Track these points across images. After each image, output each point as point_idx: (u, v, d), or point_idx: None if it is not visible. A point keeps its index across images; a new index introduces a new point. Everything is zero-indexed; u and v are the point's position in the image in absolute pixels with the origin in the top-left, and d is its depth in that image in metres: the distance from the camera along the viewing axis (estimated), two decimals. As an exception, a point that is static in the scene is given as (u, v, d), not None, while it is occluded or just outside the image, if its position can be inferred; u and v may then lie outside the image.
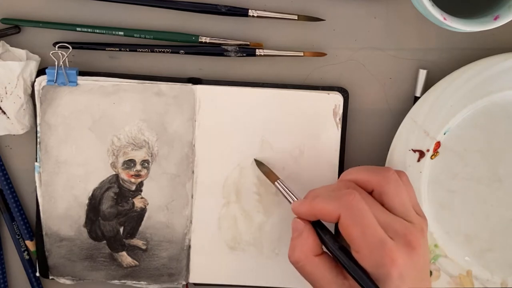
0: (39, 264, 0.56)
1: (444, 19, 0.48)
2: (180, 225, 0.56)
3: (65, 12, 0.55)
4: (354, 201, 0.45)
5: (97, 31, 0.54)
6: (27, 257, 0.57)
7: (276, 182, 0.52)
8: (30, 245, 0.57)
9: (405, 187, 0.49)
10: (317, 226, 0.48)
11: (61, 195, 0.55)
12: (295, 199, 0.50)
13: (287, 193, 0.51)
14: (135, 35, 0.54)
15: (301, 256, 0.47)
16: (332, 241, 0.47)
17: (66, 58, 0.53)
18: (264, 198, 0.56)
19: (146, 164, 0.55)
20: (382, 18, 0.55)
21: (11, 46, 0.54)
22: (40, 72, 0.54)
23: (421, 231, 0.47)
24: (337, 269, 0.46)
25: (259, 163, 0.55)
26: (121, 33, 0.54)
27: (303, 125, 0.55)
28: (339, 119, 0.55)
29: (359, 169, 0.50)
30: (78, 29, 0.54)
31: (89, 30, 0.54)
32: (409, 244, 0.45)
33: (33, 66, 0.53)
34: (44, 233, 0.55)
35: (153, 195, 0.55)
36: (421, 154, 0.54)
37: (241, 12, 0.54)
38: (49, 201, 0.55)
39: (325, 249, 0.48)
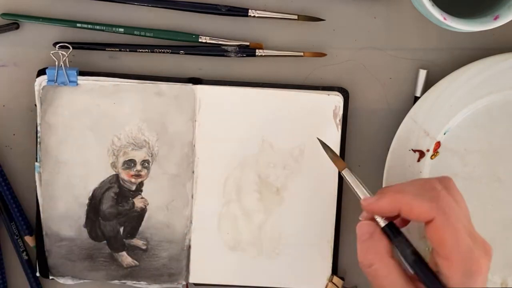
0: (39, 264, 0.56)
1: (444, 19, 0.48)
2: (180, 225, 0.56)
3: (65, 12, 0.55)
4: (452, 206, 0.44)
5: (97, 27, 0.54)
6: (26, 257, 0.57)
7: (343, 171, 0.49)
8: (30, 240, 0.57)
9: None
10: (390, 228, 0.45)
11: (61, 195, 0.55)
12: (367, 194, 0.47)
13: (357, 185, 0.47)
14: (135, 32, 0.54)
15: (376, 258, 0.44)
16: (406, 244, 0.45)
17: (66, 58, 0.53)
18: (264, 197, 0.56)
19: (146, 164, 0.55)
20: (382, 18, 0.55)
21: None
22: (40, 72, 0.54)
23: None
24: (406, 275, 0.44)
25: (325, 146, 0.51)
26: (121, 30, 0.54)
27: (303, 125, 0.55)
28: (339, 120, 0.55)
29: (427, 179, 0.47)
30: (78, 25, 0.54)
31: (89, 26, 0.54)
32: (487, 252, 0.44)
33: None
34: (44, 233, 0.55)
35: (153, 195, 0.55)
36: (421, 154, 0.55)
37: (241, 12, 0.54)
38: (49, 201, 0.55)
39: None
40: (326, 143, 0.53)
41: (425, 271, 0.43)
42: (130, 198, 0.55)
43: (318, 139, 0.52)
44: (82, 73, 0.54)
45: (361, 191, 0.48)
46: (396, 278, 0.44)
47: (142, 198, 0.55)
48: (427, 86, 0.55)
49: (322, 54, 0.55)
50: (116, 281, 0.56)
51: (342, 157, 0.55)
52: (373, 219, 0.46)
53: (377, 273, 0.44)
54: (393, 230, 0.45)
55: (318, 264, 0.56)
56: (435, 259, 0.44)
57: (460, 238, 0.43)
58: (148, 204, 0.55)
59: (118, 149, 0.55)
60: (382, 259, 0.44)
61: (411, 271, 0.44)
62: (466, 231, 0.44)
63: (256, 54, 0.54)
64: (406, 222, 0.48)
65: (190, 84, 0.55)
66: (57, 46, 0.54)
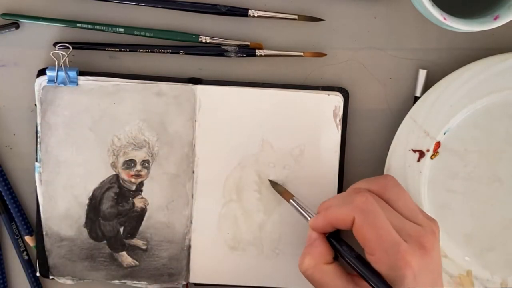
0: (39, 264, 0.56)
1: (444, 19, 0.48)
2: (180, 225, 0.56)
3: (65, 12, 0.55)
4: (368, 203, 0.45)
5: (97, 27, 0.54)
6: (26, 257, 0.57)
7: (291, 200, 0.53)
8: (30, 240, 0.57)
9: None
10: (333, 237, 0.49)
11: (61, 195, 0.55)
12: (311, 215, 0.50)
13: (303, 210, 0.51)
14: (135, 32, 0.54)
15: (311, 264, 0.48)
16: (348, 250, 0.47)
17: (66, 58, 0.53)
18: (264, 197, 0.56)
19: (147, 164, 0.55)
20: (382, 18, 0.55)
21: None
22: (40, 72, 0.54)
23: (432, 233, 0.47)
24: (348, 277, 0.47)
25: (273, 183, 0.55)
26: (121, 30, 0.54)
27: (303, 125, 0.55)
28: (339, 120, 0.55)
29: (359, 182, 0.50)
30: (78, 25, 0.54)
31: (89, 26, 0.54)
32: (422, 246, 0.45)
33: None
34: (44, 233, 0.55)
35: (153, 195, 0.55)
36: (421, 154, 0.55)
37: (241, 12, 0.54)
38: (49, 201, 0.55)
39: (339, 260, 0.48)
40: (326, 143, 0.54)
41: (367, 271, 0.45)
42: (130, 198, 0.55)
43: (269, 180, 0.55)
44: (82, 73, 0.54)
45: (308, 215, 0.51)
46: (333, 281, 0.47)
47: (142, 198, 0.55)
48: (427, 86, 0.55)
49: (322, 54, 0.55)
50: (116, 281, 0.56)
51: (342, 157, 0.55)
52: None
53: (313, 277, 0.48)
54: (337, 239, 0.49)
55: (318, 264, 0.56)
56: (366, 257, 0.46)
57: (381, 234, 0.44)
58: (148, 204, 0.55)
59: (118, 149, 0.55)
60: (316, 264, 0.47)
61: (354, 272, 0.47)
62: (394, 226, 0.45)
63: (256, 54, 0.54)
64: None
65: (190, 84, 0.55)
66: (57, 46, 0.54)
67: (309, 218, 0.50)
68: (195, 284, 0.57)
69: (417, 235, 0.45)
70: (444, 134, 0.54)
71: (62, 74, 0.53)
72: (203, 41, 0.54)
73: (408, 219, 0.47)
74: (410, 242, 0.45)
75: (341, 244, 0.48)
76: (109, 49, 0.54)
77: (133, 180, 0.55)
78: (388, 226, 0.45)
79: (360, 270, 0.46)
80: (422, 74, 0.55)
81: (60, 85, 0.54)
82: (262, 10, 0.54)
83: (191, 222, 0.56)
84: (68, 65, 0.53)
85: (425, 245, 0.45)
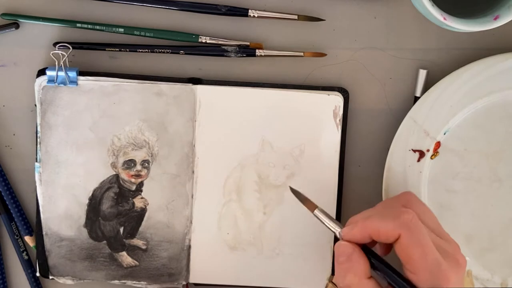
0: (39, 264, 0.56)
1: (444, 19, 0.48)
2: (180, 225, 0.56)
3: (65, 12, 0.55)
4: (414, 221, 0.45)
5: (97, 27, 0.54)
6: (26, 257, 0.57)
7: (315, 211, 0.50)
8: (30, 240, 0.57)
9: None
10: (365, 249, 0.47)
11: (61, 195, 0.55)
12: (340, 227, 0.48)
13: (330, 222, 0.49)
14: (135, 32, 0.54)
15: (354, 281, 0.46)
16: (384, 263, 0.46)
17: (66, 58, 0.53)
18: (264, 196, 0.56)
19: (146, 164, 0.55)
20: (382, 18, 0.55)
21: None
22: (40, 72, 0.54)
23: (459, 247, 0.47)
24: None
25: (295, 192, 0.52)
26: (121, 30, 0.54)
27: (303, 125, 0.55)
28: (339, 120, 0.55)
29: (387, 200, 0.49)
30: (78, 25, 0.54)
31: (89, 26, 0.54)
32: (458, 262, 0.45)
33: None
34: (44, 233, 0.55)
35: (153, 195, 0.55)
36: (421, 154, 0.55)
37: (241, 12, 0.54)
38: (49, 201, 0.55)
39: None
40: (326, 143, 0.54)
41: (406, 286, 0.44)
42: (130, 198, 0.55)
43: (290, 187, 0.52)
44: (82, 73, 0.54)
45: (335, 225, 0.49)
46: None
47: (142, 198, 0.55)
48: (427, 86, 0.55)
49: (322, 54, 0.55)
50: (116, 281, 0.56)
51: (342, 157, 0.55)
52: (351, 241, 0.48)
53: None
54: (369, 251, 0.47)
55: (318, 264, 0.56)
56: (405, 274, 0.45)
57: (426, 253, 0.44)
58: (148, 204, 0.55)
59: (118, 149, 0.55)
60: (361, 280, 0.46)
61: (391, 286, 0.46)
62: (433, 244, 0.45)
63: (256, 54, 0.54)
64: (387, 249, 0.49)
65: (190, 84, 0.55)
66: (57, 46, 0.54)
67: (337, 230, 0.48)
68: (195, 284, 0.57)
69: (453, 251, 0.46)
70: (444, 134, 0.54)
71: (62, 74, 0.53)
72: (203, 41, 0.54)
73: (437, 235, 0.47)
74: (448, 259, 0.45)
75: (375, 257, 0.46)
76: (109, 49, 0.54)
77: (133, 180, 0.55)
78: (431, 245, 0.44)
79: (399, 284, 0.45)
80: (422, 74, 0.55)
81: (60, 85, 0.54)
82: (262, 10, 0.54)
83: (191, 222, 0.56)
84: (68, 65, 0.53)
85: (459, 261, 0.45)
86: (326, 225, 0.49)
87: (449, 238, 0.47)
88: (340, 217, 0.56)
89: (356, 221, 0.47)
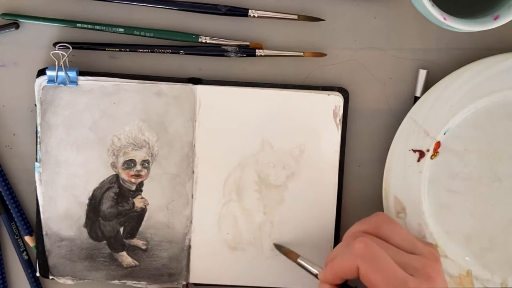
0: (39, 264, 0.56)
1: (444, 19, 0.48)
2: (180, 225, 0.56)
3: (65, 12, 0.55)
4: (367, 248, 0.45)
5: (97, 27, 0.54)
6: (26, 257, 0.57)
7: (298, 260, 0.52)
8: (30, 240, 0.57)
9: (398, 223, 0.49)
10: (343, 286, 0.48)
11: (61, 195, 0.55)
12: (318, 270, 0.50)
13: (311, 267, 0.51)
14: (135, 32, 0.54)
15: None
16: None
17: (66, 58, 0.53)
18: (264, 197, 0.56)
19: (146, 164, 0.55)
20: (382, 18, 0.55)
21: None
22: (40, 72, 0.54)
23: (435, 259, 0.47)
24: None
25: (278, 246, 0.55)
26: (121, 30, 0.54)
27: (303, 125, 0.55)
28: (339, 120, 0.55)
29: (355, 225, 0.50)
30: (78, 25, 0.54)
31: (89, 26, 0.54)
32: (429, 276, 0.45)
33: None
34: (44, 233, 0.55)
35: (153, 195, 0.55)
36: (421, 154, 0.55)
37: (241, 12, 0.54)
38: (49, 201, 0.55)
39: None
40: (326, 143, 0.54)
41: None
42: (130, 198, 0.55)
43: (274, 243, 0.56)
44: (82, 73, 0.54)
45: (316, 269, 0.51)
46: None
47: (142, 198, 0.55)
48: (427, 86, 0.55)
49: (322, 54, 0.55)
50: (116, 281, 0.56)
51: (342, 157, 0.55)
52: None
53: None
54: (346, 286, 0.48)
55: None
56: None
57: (387, 276, 0.44)
58: (148, 204, 0.55)
59: (118, 149, 0.55)
60: None
61: None
62: (399, 262, 0.45)
63: (256, 54, 0.54)
64: None
65: (190, 84, 0.55)
66: (57, 46, 0.54)
67: (317, 273, 0.50)
68: (195, 284, 0.57)
69: (422, 266, 0.45)
70: (444, 134, 0.54)
71: (62, 74, 0.53)
72: (203, 41, 0.54)
73: (408, 251, 0.47)
74: (417, 275, 0.45)
75: None
76: (109, 49, 0.54)
77: (133, 180, 0.55)
78: (392, 265, 0.44)
79: None
80: (422, 74, 0.55)
81: (60, 85, 0.54)
82: (262, 10, 0.54)
83: (191, 222, 0.56)
84: (68, 65, 0.53)
85: (431, 275, 0.45)
86: (309, 272, 0.51)
87: (423, 250, 0.47)
88: (340, 217, 0.56)
89: (326, 265, 0.48)
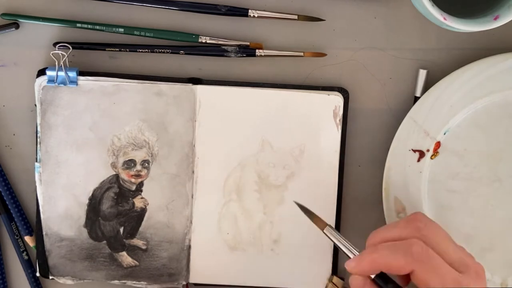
0: (39, 264, 0.56)
1: (444, 19, 0.48)
2: (180, 225, 0.56)
3: (65, 12, 0.55)
4: (425, 252, 0.45)
5: (97, 27, 0.54)
6: (26, 257, 0.57)
7: (325, 230, 0.49)
8: (30, 240, 0.57)
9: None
10: (380, 279, 0.46)
11: (61, 195, 0.55)
12: (352, 253, 0.47)
13: (342, 243, 0.48)
14: (135, 32, 0.54)
15: None
16: None
17: (66, 58, 0.53)
18: (264, 197, 0.56)
19: (146, 164, 0.55)
20: (382, 18, 0.55)
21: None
22: (40, 72, 0.54)
23: (473, 257, 0.48)
24: None
25: (303, 208, 0.51)
26: (121, 30, 0.54)
27: (303, 125, 0.55)
28: (339, 120, 0.55)
29: (417, 213, 0.48)
30: (78, 25, 0.54)
31: (89, 26, 0.54)
32: (477, 274, 0.45)
33: None
34: (44, 233, 0.55)
35: (153, 195, 0.55)
36: (421, 154, 0.54)
37: (241, 12, 0.54)
38: (49, 201, 0.55)
39: None
40: (326, 143, 0.54)
41: None
42: (130, 198, 0.55)
43: (295, 202, 0.51)
44: (82, 73, 0.54)
45: (345, 248, 0.48)
46: None
47: (142, 198, 0.55)
48: (427, 86, 0.55)
49: (322, 54, 0.55)
50: (116, 281, 0.56)
51: (342, 157, 0.55)
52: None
53: None
54: (383, 278, 0.46)
55: (318, 264, 0.56)
56: None
57: (444, 279, 0.44)
58: (148, 204, 0.55)
59: (118, 149, 0.55)
60: None
61: None
62: (452, 261, 0.45)
63: (256, 54, 0.54)
64: (406, 279, 0.48)
65: (190, 84, 0.55)
66: (57, 46, 0.54)
67: (352, 252, 0.47)
68: (195, 284, 0.57)
69: (473, 263, 0.46)
70: (444, 134, 0.54)
71: (62, 74, 0.53)
72: (203, 41, 0.54)
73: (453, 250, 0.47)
74: (468, 272, 0.45)
75: (388, 283, 0.46)
76: (109, 49, 0.54)
77: (133, 180, 0.55)
78: (447, 268, 0.44)
79: None
80: (422, 74, 0.55)
81: (60, 85, 0.54)
82: (262, 10, 0.54)
83: (191, 222, 0.56)
84: (68, 65, 0.53)
85: (479, 272, 0.46)
86: (337, 246, 0.48)
87: (466, 252, 0.47)
88: (340, 217, 0.56)
89: (363, 254, 0.46)
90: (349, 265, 0.46)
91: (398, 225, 0.47)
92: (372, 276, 0.46)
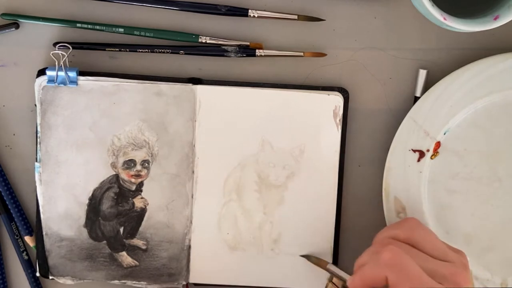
0: (39, 264, 0.56)
1: (444, 19, 0.48)
2: (180, 225, 0.56)
3: (65, 12, 0.55)
4: (395, 258, 0.45)
5: (97, 27, 0.54)
6: (26, 257, 0.57)
7: (327, 266, 0.54)
8: (30, 240, 0.57)
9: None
10: None
11: (61, 195, 0.55)
12: (347, 277, 0.50)
13: (342, 273, 0.52)
14: (135, 32, 0.54)
15: None
16: None
17: (66, 58, 0.53)
18: (264, 197, 0.56)
19: (146, 164, 0.55)
20: (382, 18, 0.55)
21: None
22: (40, 72, 0.54)
23: (464, 267, 0.47)
24: None
25: (307, 256, 0.56)
26: (121, 30, 0.54)
27: (303, 125, 0.55)
28: (339, 120, 0.55)
29: (385, 230, 0.49)
30: (78, 25, 0.54)
31: (89, 26, 0.54)
32: (457, 284, 0.45)
33: None
34: (44, 233, 0.55)
35: (153, 195, 0.55)
36: (421, 154, 0.55)
37: (241, 12, 0.54)
38: (49, 201, 0.55)
39: None
40: (326, 143, 0.54)
41: None
42: (130, 198, 0.55)
43: (301, 255, 0.56)
44: (82, 73, 0.54)
45: (345, 275, 0.52)
46: None
47: (142, 198, 0.55)
48: (427, 86, 0.55)
49: (322, 54, 0.55)
50: (116, 281, 0.56)
51: (342, 157, 0.55)
52: None
53: None
54: None
55: (318, 264, 0.56)
56: None
57: (415, 284, 0.44)
58: (148, 204, 0.55)
59: (118, 149, 0.55)
60: None
61: None
62: (427, 270, 0.44)
63: (256, 54, 0.54)
64: None
65: (190, 84, 0.55)
66: (57, 46, 0.54)
67: (347, 280, 0.50)
68: (195, 284, 0.57)
69: (451, 274, 0.45)
70: (444, 134, 0.54)
71: (62, 74, 0.53)
72: (203, 41, 0.54)
73: (438, 258, 0.46)
74: (446, 283, 0.44)
75: None
76: (109, 49, 0.54)
77: (133, 180, 0.55)
78: (421, 274, 0.44)
79: None
80: (422, 74, 0.55)
81: (60, 85, 0.54)
82: (262, 10, 0.54)
83: (191, 222, 0.56)
84: (68, 65, 0.53)
85: (460, 283, 0.45)
86: (338, 276, 0.53)
87: (453, 257, 0.47)
88: (340, 217, 0.56)
89: (355, 272, 0.47)
90: (349, 284, 0.48)
91: (393, 226, 0.48)
92: None
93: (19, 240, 0.57)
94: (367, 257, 0.47)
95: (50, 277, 0.56)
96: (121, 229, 0.56)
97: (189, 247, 0.56)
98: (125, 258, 0.56)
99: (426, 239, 0.47)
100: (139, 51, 0.55)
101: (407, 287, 0.44)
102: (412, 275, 0.44)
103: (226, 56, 0.54)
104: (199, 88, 0.55)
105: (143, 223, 0.56)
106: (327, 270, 0.54)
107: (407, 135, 0.54)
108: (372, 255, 0.47)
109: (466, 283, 0.45)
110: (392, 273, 0.44)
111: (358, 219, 0.57)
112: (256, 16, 0.54)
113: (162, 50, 0.54)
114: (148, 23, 0.55)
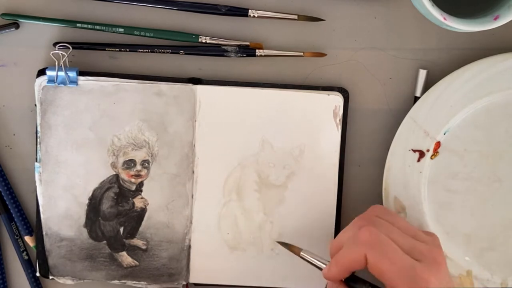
0: (39, 264, 0.56)
1: (444, 19, 0.48)
2: (180, 225, 0.56)
3: (65, 12, 0.55)
4: (373, 235, 0.45)
5: (97, 27, 0.54)
6: (26, 257, 0.57)
7: (301, 253, 0.52)
8: (30, 240, 0.57)
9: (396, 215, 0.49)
10: (351, 280, 0.47)
11: (61, 195, 0.55)
12: (324, 265, 0.49)
13: (316, 260, 0.51)
14: (135, 32, 0.54)
15: None
16: (368, 284, 0.47)
17: (66, 58, 0.53)
18: (264, 197, 0.56)
19: (146, 164, 0.55)
20: (382, 18, 0.55)
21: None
22: (40, 72, 0.54)
23: (438, 247, 0.47)
24: None
25: (282, 243, 0.55)
26: (121, 30, 0.54)
27: (303, 125, 0.55)
28: (339, 120, 0.55)
29: (355, 220, 0.49)
30: (78, 25, 0.54)
31: (89, 26, 0.54)
32: (436, 261, 0.45)
33: None
34: (44, 233, 0.55)
35: (153, 195, 0.55)
36: (421, 154, 0.55)
37: (241, 12, 0.54)
38: (49, 201, 0.55)
39: None
40: (326, 143, 0.54)
41: None
42: (130, 198, 0.55)
43: (277, 241, 0.55)
44: (82, 73, 0.54)
45: (320, 264, 0.50)
46: None
47: (142, 198, 0.55)
48: (427, 86, 0.55)
49: (322, 54, 0.55)
50: (116, 281, 0.56)
51: (342, 157, 0.55)
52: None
53: None
54: (353, 279, 0.47)
55: (318, 264, 0.56)
56: None
57: (395, 261, 0.44)
58: (148, 204, 0.55)
59: (118, 149, 0.55)
60: None
61: None
62: (406, 248, 0.45)
63: (256, 54, 0.54)
64: None
65: (190, 84, 0.55)
66: (57, 46, 0.54)
67: (323, 267, 0.49)
68: (195, 284, 0.57)
69: (428, 250, 0.45)
70: (444, 134, 0.54)
71: (62, 74, 0.53)
72: (203, 41, 0.54)
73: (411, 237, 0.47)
74: (424, 261, 0.44)
75: (360, 284, 0.47)
76: (109, 49, 0.54)
77: (133, 180, 0.55)
78: (399, 252, 0.44)
79: None
80: (422, 74, 0.55)
81: (60, 85, 0.54)
82: (262, 10, 0.54)
83: (191, 222, 0.56)
84: (68, 65, 0.53)
85: (437, 260, 0.45)
86: (314, 265, 0.51)
87: (426, 238, 0.47)
88: (340, 216, 0.56)
89: (331, 260, 0.48)
90: (323, 274, 0.48)
91: (353, 223, 0.48)
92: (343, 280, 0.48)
93: (19, 240, 0.57)
94: (340, 242, 0.47)
95: (50, 277, 0.56)
96: (121, 229, 0.56)
97: (189, 247, 0.56)
98: (125, 258, 0.56)
99: (394, 222, 0.47)
100: (139, 51, 0.55)
101: (387, 264, 0.44)
102: (391, 252, 0.44)
103: (226, 56, 0.54)
104: (199, 88, 0.55)
105: (143, 223, 0.56)
106: (302, 257, 0.52)
107: (407, 135, 0.54)
108: (346, 240, 0.47)
109: (442, 260, 0.45)
110: (372, 250, 0.44)
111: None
112: (256, 16, 0.54)
113: (162, 50, 0.54)
114: (148, 23, 0.55)
